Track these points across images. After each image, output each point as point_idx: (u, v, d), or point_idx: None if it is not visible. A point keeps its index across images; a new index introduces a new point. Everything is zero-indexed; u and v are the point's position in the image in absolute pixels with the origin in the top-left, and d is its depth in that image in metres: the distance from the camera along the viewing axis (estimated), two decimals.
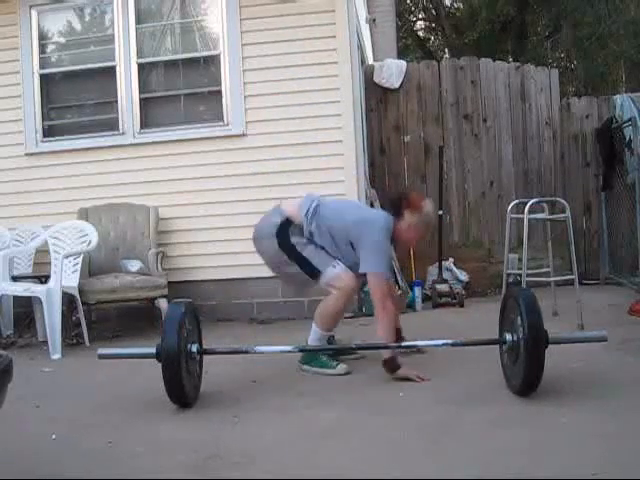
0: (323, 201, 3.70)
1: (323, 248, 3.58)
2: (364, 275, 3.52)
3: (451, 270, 6.35)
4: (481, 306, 5.69)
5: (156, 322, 4.98)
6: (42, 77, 5.80)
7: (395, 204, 3.63)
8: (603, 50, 12.51)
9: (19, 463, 2.43)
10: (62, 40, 5.98)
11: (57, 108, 5.93)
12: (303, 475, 2.24)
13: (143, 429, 2.78)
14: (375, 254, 3.46)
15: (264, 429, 2.73)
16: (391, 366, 3.35)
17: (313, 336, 3.64)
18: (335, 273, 3.52)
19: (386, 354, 3.37)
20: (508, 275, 5.05)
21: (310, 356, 3.63)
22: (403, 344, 3.42)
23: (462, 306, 5.79)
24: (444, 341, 3.30)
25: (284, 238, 3.56)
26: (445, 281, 6.06)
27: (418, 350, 3.82)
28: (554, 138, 7.16)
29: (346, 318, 5.29)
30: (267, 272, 5.50)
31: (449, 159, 6.72)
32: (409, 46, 17.09)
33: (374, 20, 8.68)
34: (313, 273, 3.56)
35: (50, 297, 4.42)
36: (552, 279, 4.90)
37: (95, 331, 5.06)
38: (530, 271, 4.78)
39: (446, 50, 17.02)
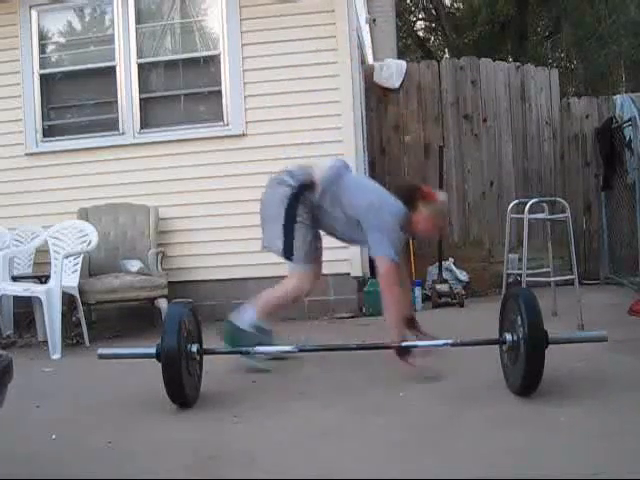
0: (346, 174, 3.69)
1: (314, 237, 3.65)
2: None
3: (451, 270, 6.35)
4: (481, 306, 5.69)
5: (156, 322, 4.98)
6: (42, 77, 5.81)
7: (408, 196, 3.53)
8: (603, 50, 12.50)
9: (19, 463, 2.43)
10: (62, 40, 5.99)
11: (57, 108, 5.93)
12: (303, 475, 2.24)
13: (143, 429, 2.78)
14: (384, 238, 3.40)
15: (264, 429, 2.73)
16: (402, 352, 3.31)
17: (243, 316, 3.63)
18: (300, 269, 3.61)
19: (396, 340, 3.34)
20: (508, 275, 5.04)
21: (236, 337, 3.57)
22: (403, 344, 3.41)
23: (462, 306, 5.79)
24: (444, 341, 3.30)
25: (292, 204, 3.56)
26: (445, 281, 6.06)
27: None
28: (554, 138, 7.16)
29: (346, 318, 5.31)
30: (267, 272, 5.52)
31: (449, 159, 6.72)
32: (409, 46, 17.11)
33: (374, 20, 8.69)
34: (287, 252, 3.59)
35: (50, 297, 4.42)
36: (552, 279, 4.90)
37: (95, 331, 5.06)
38: (530, 271, 4.78)
39: (446, 50, 17.03)
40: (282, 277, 5.35)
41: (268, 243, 3.72)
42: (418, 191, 3.56)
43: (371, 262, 5.77)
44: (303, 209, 3.58)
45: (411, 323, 3.74)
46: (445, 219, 3.70)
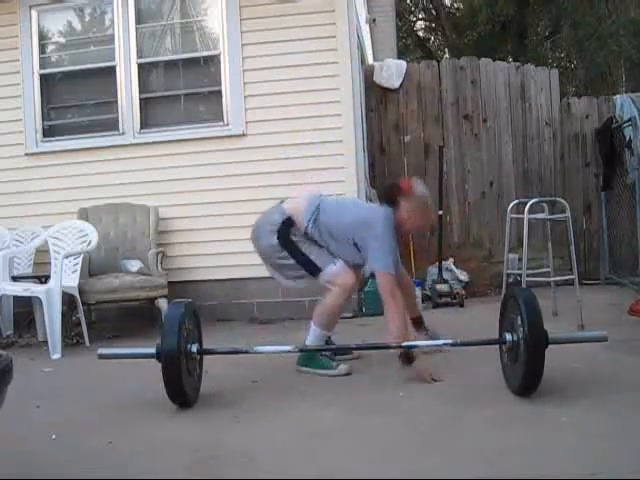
0: (323, 203, 3.63)
1: (322, 246, 3.58)
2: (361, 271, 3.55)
3: (451, 270, 6.35)
4: (481, 306, 5.69)
5: (156, 322, 4.98)
6: (42, 77, 5.80)
7: (387, 195, 3.56)
8: (603, 50, 12.51)
9: (19, 463, 2.43)
10: (62, 40, 5.98)
11: (57, 108, 5.93)
12: (303, 475, 2.24)
13: (143, 429, 2.78)
14: (380, 252, 3.41)
15: (264, 429, 2.73)
16: (406, 358, 3.30)
17: (312, 336, 3.60)
18: (335, 270, 3.51)
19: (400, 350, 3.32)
20: (508, 275, 5.04)
21: (308, 357, 3.59)
22: (403, 344, 3.40)
23: (462, 306, 5.79)
24: (444, 341, 3.30)
25: (285, 235, 3.54)
26: (445, 281, 6.06)
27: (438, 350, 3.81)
28: (554, 138, 7.15)
29: (346, 318, 5.30)
30: (267, 272, 5.52)
31: (449, 159, 6.72)
32: (409, 46, 17.13)
33: (374, 20, 8.69)
34: (312, 270, 3.54)
35: (50, 297, 4.42)
36: (552, 279, 4.90)
37: (95, 331, 5.06)
38: (530, 271, 4.78)
39: (446, 50, 17.04)
40: None
41: (287, 282, 3.71)
42: (396, 188, 3.55)
43: None
44: (298, 233, 3.56)
45: (418, 324, 3.77)
46: (429, 209, 3.66)
